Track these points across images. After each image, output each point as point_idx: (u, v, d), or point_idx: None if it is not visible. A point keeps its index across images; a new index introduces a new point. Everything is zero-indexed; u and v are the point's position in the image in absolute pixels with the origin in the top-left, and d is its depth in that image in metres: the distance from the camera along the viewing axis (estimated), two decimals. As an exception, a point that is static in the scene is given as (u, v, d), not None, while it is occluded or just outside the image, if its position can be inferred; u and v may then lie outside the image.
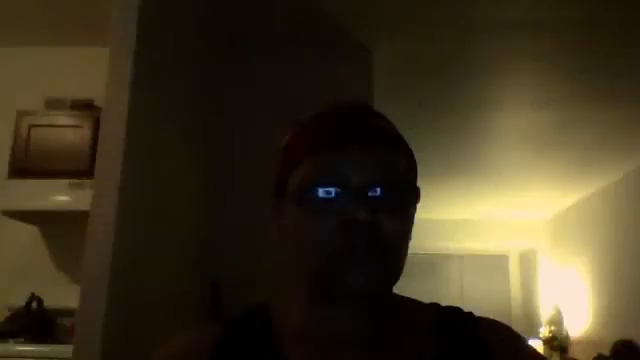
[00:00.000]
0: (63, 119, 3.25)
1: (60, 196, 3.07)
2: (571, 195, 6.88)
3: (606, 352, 5.33)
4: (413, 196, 0.88)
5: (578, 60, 3.62)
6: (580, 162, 5.63)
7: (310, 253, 0.83)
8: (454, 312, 0.96)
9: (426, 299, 0.99)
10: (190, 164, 2.91)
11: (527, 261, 8.62)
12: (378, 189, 0.82)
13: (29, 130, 3.19)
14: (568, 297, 7.09)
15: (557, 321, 7.26)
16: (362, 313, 0.88)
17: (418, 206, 0.89)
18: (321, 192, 0.82)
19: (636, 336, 5.12)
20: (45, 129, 3.21)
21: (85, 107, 3.29)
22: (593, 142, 4.99)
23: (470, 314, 0.96)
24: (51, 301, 3.17)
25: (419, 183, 0.91)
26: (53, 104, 3.38)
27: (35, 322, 3.10)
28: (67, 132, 3.19)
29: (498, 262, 8.88)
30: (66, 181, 3.06)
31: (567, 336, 7.07)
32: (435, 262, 8.76)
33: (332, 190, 0.82)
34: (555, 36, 3.37)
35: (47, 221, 3.34)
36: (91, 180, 2.27)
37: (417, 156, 0.92)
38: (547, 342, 7.24)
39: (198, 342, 0.90)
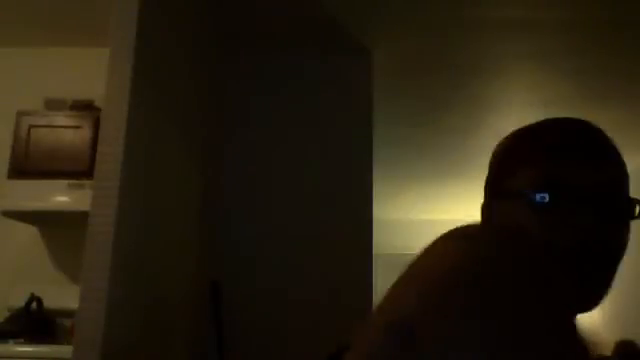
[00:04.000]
0: (63, 120, 3.25)
1: (60, 197, 3.06)
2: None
3: (607, 352, 5.32)
4: (634, 209, 0.88)
5: (577, 61, 3.62)
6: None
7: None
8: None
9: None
10: (190, 164, 2.91)
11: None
12: (604, 197, 0.83)
13: (29, 130, 3.18)
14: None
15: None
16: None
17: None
18: (548, 196, 0.83)
19: (636, 337, 5.11)
20: (45, 130, 3.21)
21: (85, 107, 3.29)
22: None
23: None
24: (51, 301, 3.17)
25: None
26: (53, 105, 3.38)
27: (35, 323, 3.10)
28: (67, 133, 3.19)
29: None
30: (66, 182, 3.06)
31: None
32: (435, 262, 8.75)
33: (558, 195, 0.83)
34: (554, 37, 3.37)
35: (47, 222, 3.34)
36: (91, 181, 2.27)
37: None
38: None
39: None
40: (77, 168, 3.05)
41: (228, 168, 3.33)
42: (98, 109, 3.04)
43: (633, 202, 0.88)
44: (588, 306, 0.86)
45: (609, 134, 0.97)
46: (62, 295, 3.12)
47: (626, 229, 0.86)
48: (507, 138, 0.97)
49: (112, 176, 2.07)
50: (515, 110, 4.50)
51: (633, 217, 0.87)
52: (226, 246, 3.20)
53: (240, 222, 3.28)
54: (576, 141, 0.87)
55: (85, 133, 3.15)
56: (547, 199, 0.83)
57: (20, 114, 3.24)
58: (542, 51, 3.52)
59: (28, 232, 3.39)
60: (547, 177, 0.84)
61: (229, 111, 3.42)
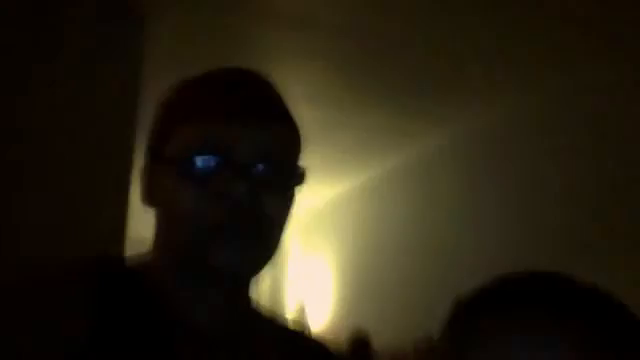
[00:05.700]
0: None
1: None
2: (324, 192, 7.03)
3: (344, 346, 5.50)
4: (298, 177, 0.82)
5: (345, 61, 3.77)
6: (339, 161, 5.82)
7: (181, 225, 0.76)
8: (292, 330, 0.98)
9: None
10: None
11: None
12: (263, 165, 0.77)
13: None
14: (314, 291, 7.31)
15: (302, 316, 7.45)
16: (226, 298, 0.81)
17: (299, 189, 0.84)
18: (201, 162, 0.75)
19: (372, 332, 5.35)
20: None
21: None
22: (352, 143, 5.19)
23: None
24: None
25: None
26: None
27: None
28: None
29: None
30: None
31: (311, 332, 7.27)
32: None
33: (214, 161, 0.75)
34: (328, 36, 3.46)
35: None
36: None
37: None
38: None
39: None
40: None
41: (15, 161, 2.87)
42: None
43: (296, 170, 0.84)
44: (248, 274, 0.81)
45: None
46: None
47: (283, 198, 0.82)
48: (175, 89, 0.87)
49: None
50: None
51: (296, 185, 0.84)
52: (10, 249, 2.71)
53: (30, 223, 2.82)
54: (237, 103, 0.79)
55: None
56: (199, 168, 0.76)
57: None
58: (316, 48, 3.62)
59: None
60: (201, 144, 0.77)
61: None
